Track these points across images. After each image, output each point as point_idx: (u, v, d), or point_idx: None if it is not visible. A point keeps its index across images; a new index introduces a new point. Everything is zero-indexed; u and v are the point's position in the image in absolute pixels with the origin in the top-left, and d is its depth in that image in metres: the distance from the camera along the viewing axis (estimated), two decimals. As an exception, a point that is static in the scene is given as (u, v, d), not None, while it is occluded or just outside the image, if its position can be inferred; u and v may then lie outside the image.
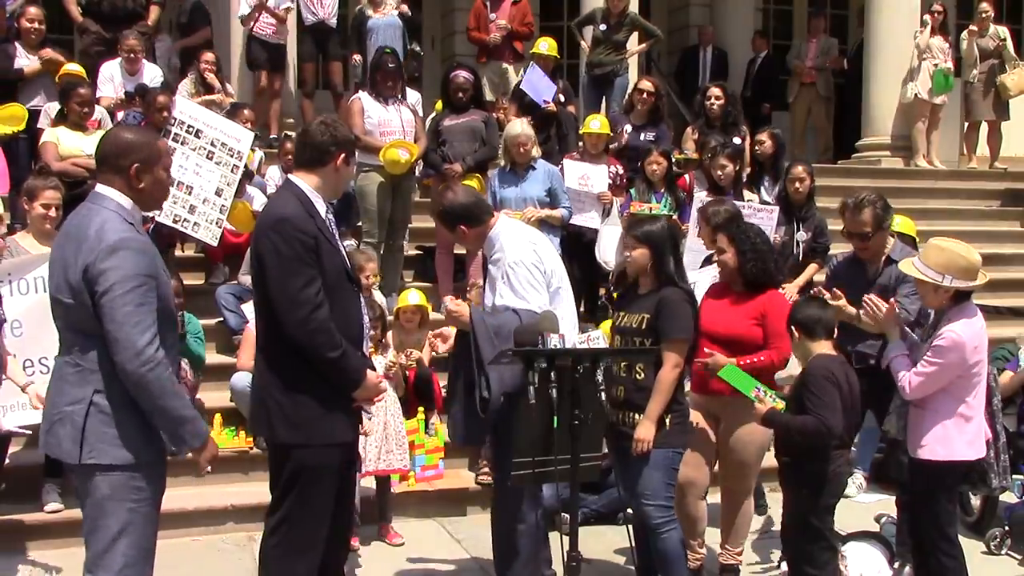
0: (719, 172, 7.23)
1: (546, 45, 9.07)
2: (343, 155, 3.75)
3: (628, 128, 8.39)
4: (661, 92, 8.52)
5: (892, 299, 4.38)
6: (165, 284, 3.29)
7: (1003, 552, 5.46)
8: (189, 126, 6.88)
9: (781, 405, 4.11)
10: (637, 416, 4.31)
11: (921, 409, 4.12)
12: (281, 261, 3.49)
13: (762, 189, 7.85)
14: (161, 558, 4.91)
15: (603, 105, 9.77)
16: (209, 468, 3.38)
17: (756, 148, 7.92)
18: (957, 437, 4.11)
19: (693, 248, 6.38)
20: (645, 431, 4.26)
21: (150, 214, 3.56)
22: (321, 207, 3.71)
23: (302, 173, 3.76)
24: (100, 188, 3.30)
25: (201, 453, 3.33)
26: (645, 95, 8.37)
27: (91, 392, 3.19)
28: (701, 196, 7.24)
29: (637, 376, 4.36)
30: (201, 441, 3.29)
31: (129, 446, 3.19)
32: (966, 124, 12.31)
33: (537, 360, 3.28)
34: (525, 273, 4.18)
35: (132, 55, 8.41)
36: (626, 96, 9.15)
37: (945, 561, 4.11)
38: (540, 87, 8.59)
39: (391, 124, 7.47)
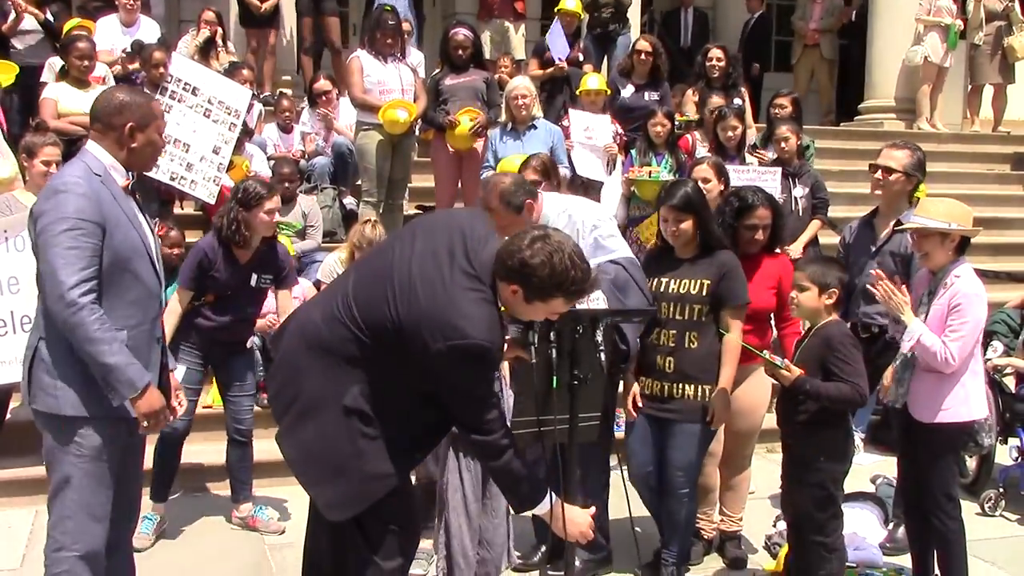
0: (729, 133, 7.20)
1: (572, 2, 8.97)
2: None
3: (631, 89, 8.36)
4: (660, 51, 8.46)
5: (897, 278, 4.26)
6: (126, 235, 3.21)
7: (997, 513, 5.51)
8: (186, 83, 6.84)
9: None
10: (688, 387, 4.24)
11: (937, 374, 4.03)
12: None
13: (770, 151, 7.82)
14: (177, 512, 5.04)
15: (605, 64, 9.71)
16: (146, 424, 3.20)
17: (775, 111, 7.88)
18: (975, 396, 4.10)
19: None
20: (724, 402, 4.23)
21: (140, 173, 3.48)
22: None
23: None
24: (88, 144, 3.31)
25: (138, 404, 3.15)
26: (643, 55, 8.33)
27: (37, 339, 3.22)
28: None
29: (690, 345, 4.25)
30: (134, 391, 3.13)
31: (67, 397, 3.15)
32: (969, 87, 12.22)
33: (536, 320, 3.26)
34: (608, 227, 4.39)
35: (129, 6, 8.32)
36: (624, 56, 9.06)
37: (948, 523, 4.11)
38: (557, 45, 8.55)
39: (390, 83, 7.41)
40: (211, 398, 6.16)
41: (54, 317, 3.10)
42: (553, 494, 3.18)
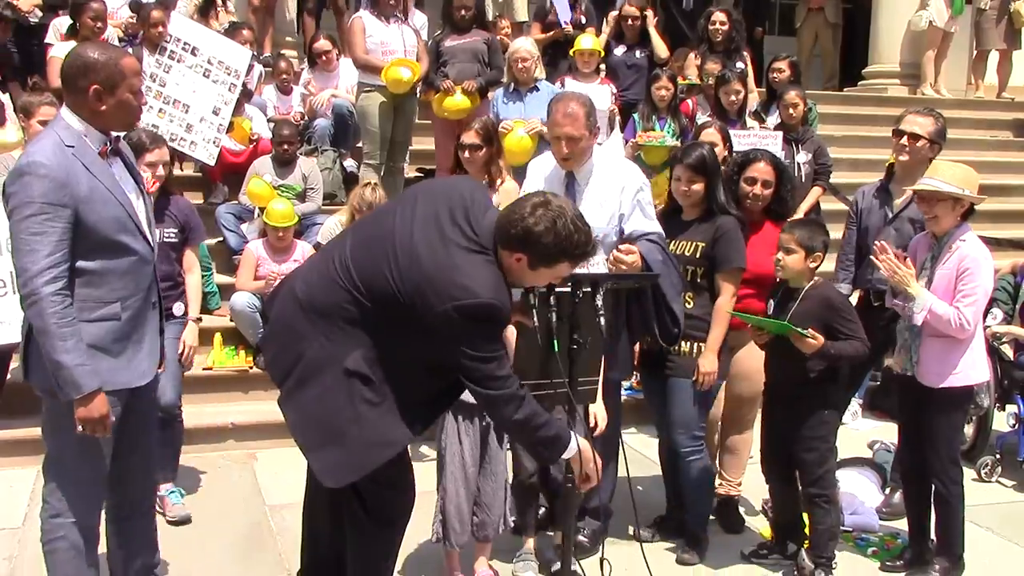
0: (732, 97, 7.19)
1: None
2: None
3: (622, 49, 8.39)
4: (647, 15, 8.44)
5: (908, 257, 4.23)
6: (105, 207, 3.10)
7: (993, 479, 5.54)
8: (185, 43, 6.79)
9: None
10: (684, 343, 4.27)
11: (944, 339, 4.05)
12: None
13: (772, 115, 7.79)
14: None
15: (604, 24, 9.63)
16: (80, 428, 3.07)
17: (773, 76, 7.85)
18: (981, 359, 4.15)
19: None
20: (709, 364, 4.22)
21: (117, 134, 3.36)
22: None
23: None
24: (62, 110, 3.20)
25: (79, 408, 3.04)
26: (631, 20, 8.35)
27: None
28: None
29: (686, 305, 4.26)
30: (78, 393, 3.02)
31: None
32: (975, 53, 12.11)
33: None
34: (649, 193, 4.27)
35: None
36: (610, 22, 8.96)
37: (951, 488, 4.15)
38: (562, 7, 8.50)
39: (393, 44, 7.36)
40: (211, 360, 6.19)
41: (21, 299, 3.05)
42: (577, 436, 3.19)
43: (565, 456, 3.20)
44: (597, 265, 3.61)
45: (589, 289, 3.28)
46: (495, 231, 3.03)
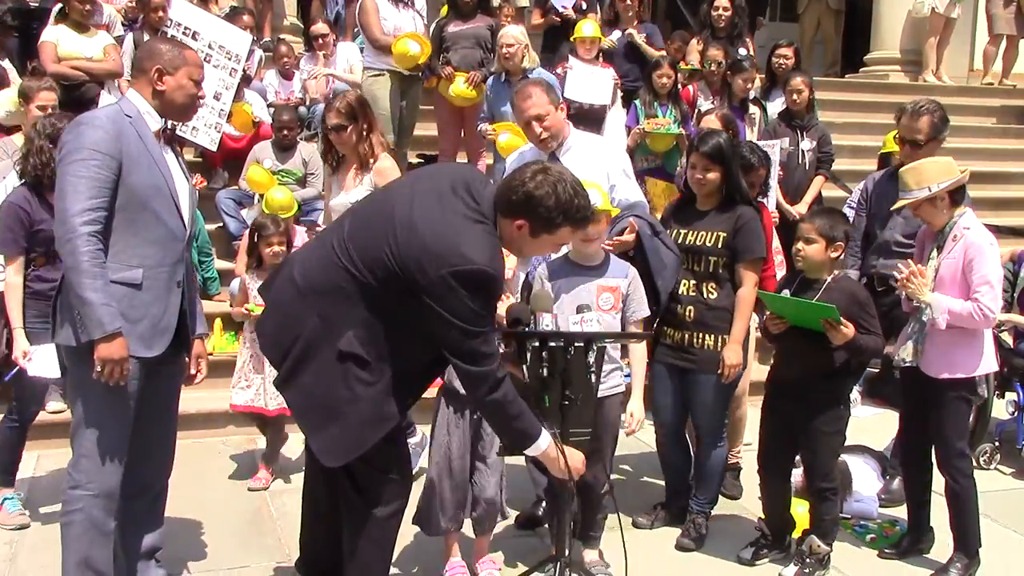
0: (749, 85, 7.20)
1: None
2: None
3: (618, 33, 8.41)
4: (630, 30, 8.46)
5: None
6: (147, 174, 3.24)
7: (992, 467, 5.56)
8: (186, 27, 6.77)
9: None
10: (708, 337, 4.25)
11: (955, 330, 4.01)
12: None
13: (773, 101, 7.79)
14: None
15: (599, 10, 9.62)
16: (99, 368, 3.13)
17: (777, 62, 7.84)
18: (988, 349, 4.14)
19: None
20: (735, 355, 4.19)
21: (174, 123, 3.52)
22: None
23: None
24: (128, 91, 3.44)
25: (100, 347, 3.11)
26: (628, 1, 8.36)
27: (61, 273, 3.24)
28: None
29: (708, 296, 4.26)
30: (101, 331, 3.09)
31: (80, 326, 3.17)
32: (987, 38, 11.98)
33: (529, 341, 3.22)
34: (628, 163, 4.45)
35: None
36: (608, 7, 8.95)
37: (963, 481, 4.13)
38: None
39: (406, 28, 7.34)
40: (211, 345, 6.19)
41: (56, 240, 3.16)
42: (549, 435, 3.15)
43: (531, 452, 3.19)
44: (591, 323, 3.55)
45: (582, 345, 3.23)
46: (495, 199, 3.09)
